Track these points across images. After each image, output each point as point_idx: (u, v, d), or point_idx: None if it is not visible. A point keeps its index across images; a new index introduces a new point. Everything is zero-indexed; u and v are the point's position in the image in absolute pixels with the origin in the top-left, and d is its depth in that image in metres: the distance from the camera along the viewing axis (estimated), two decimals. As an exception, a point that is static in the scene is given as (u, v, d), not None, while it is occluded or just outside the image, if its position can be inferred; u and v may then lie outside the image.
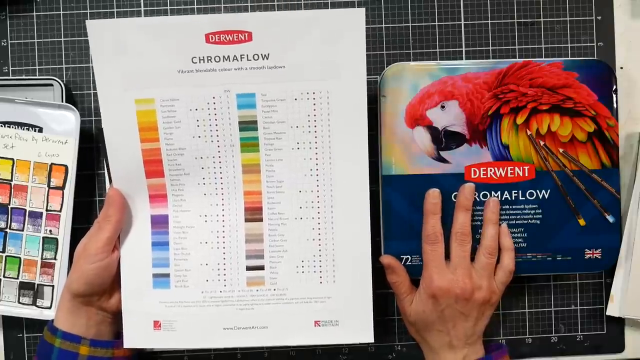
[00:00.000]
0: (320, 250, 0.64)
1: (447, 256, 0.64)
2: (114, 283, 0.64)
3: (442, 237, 0.63)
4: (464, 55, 0.71)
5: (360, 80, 0.60)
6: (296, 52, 0.60)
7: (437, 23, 0.71)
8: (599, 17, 0.71)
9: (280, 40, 0.60)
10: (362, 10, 0.59)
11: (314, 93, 0.61)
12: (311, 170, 0.63)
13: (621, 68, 0.71)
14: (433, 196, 0.64)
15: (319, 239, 0.64)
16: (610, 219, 0.65)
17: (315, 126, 0.62)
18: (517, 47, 0.71)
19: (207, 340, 0.64)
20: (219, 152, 0.63)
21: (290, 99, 0.61)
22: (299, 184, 0.63)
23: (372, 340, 0.64)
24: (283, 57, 0.60)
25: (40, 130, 0.67)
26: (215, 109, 0.62)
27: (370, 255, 0.63)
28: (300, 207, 0.63)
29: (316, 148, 0.62)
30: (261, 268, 0.64)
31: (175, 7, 0.70)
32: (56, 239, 0.68)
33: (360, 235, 0.63)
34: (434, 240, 0.63)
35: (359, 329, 0.64)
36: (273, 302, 0.64)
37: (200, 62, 0.60)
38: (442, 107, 0.64)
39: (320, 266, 0.64)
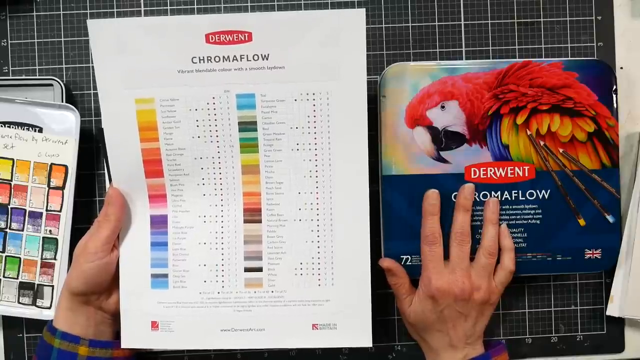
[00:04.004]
0: (319, 252, 0.63)
1: (447, 256, 0.64)
2: (113, 282, 0.64)
3: (440, 238, 0.63)
4: (464, 55, 0.71)
5: (360, 81, 0.60)
6: (296, 53, 0.60)
7: (437, 23, 0.71)
8: (599, 17, 0.71)
9: (280, 41, 0.60)
10: (363, 10, 0.59)
11: (313, 94, 0.61)
12: (310, 171, 0.63)
13: (621, 68, 0.71)
14: (432, 197, 0.64)
15: (318, 241, 0.63)
16: (610, 219, 0.65)
17: (314, 127, 0.62)
18: (517, 47, 0.71)
19: (205, 342, 0.64)
20: (218, 152, 0.63)
21: (290, 99, 0.61)
22: (298, 185, 0.63)
23: (370, 345, 0.63)
24: (283, 58, 0.60)
25: (40, 130, 0.67)
26: (215, 109, 0.62)
27: (369, 258, 0.63)
28: (300, 209, 0.63)
29: (316, 149, 0.62)
30: (259, 270, 0.64)
31: (175, 7, 0.70)
32: (56, 239, 0.68)
33: (359, 238, 0.63)
34: (432, 241, 0.63)
35: (357, 333, 0.64)
36: (271, 304, 0.64)
37: (200, 62, 0.60)
38: (442, 107, 0.64)
39: (318, 269, 0.64)
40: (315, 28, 0.59)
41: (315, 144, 0.62)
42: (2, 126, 0.67)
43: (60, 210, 0.68)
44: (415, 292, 0.65)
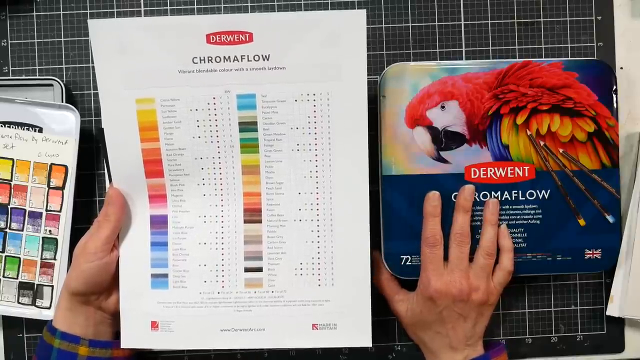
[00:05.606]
0: (319, 252, 0.63)
1: (447, 257, 0.63)
2: (113, 282, 0.64)
3: (441, 240, 0.63)
4: (464, 55, 0.71)
5: (360, 82, 0.60)
6: (297, 54, 0.60)
7: (437, 23, 0.71)
8: (599, 17, 0.71)
9: (280, 42, 0.60)
10: (363, 12, 0.59)
11: (314, 94, 0.61)
12: (311, 172, 0.63)
13: (621, 68, 0.71)
14: (433, 199, 0.63)
15: (318, 242, 0.63)
16: (610, 219, 0.65)
17: (315, 128, 0.62)
18: (517, 47, 0.71)
19: (205, 342, 0.64)
20: (218, 152, 0.63)
21: (291, 100, 0.61)
22: (299, 185, 0.63)
23: (370, 345, 0.63)
24: (283, 58, 0.60)
25: (40, 130, 0.67)
26: (215, 109, 0.62)
27: (369, 259, 0.63)
28: (300, 209, 0.63)
29: (316, 150, 0.62)
30: (259, 270, 0.64)
31: (176, 7, 0.70)
32: (56, 239, 0.68)
33: (359, 238, 0.63)
34: (433, 243, 0.63)
35: (357, 333, 0.64)
36: (271, 304, 0.64)
37: (201, 62, 0.60)
38: (442, 107, 0.64)
39: (318, 269, 0.64)
40: (316, 29, 0.59)
41: (316, 144, 0.62)
42: (2, 126, 0.67)
43: (60, 210, 0.68)
44: (402, 291, 0.66)
